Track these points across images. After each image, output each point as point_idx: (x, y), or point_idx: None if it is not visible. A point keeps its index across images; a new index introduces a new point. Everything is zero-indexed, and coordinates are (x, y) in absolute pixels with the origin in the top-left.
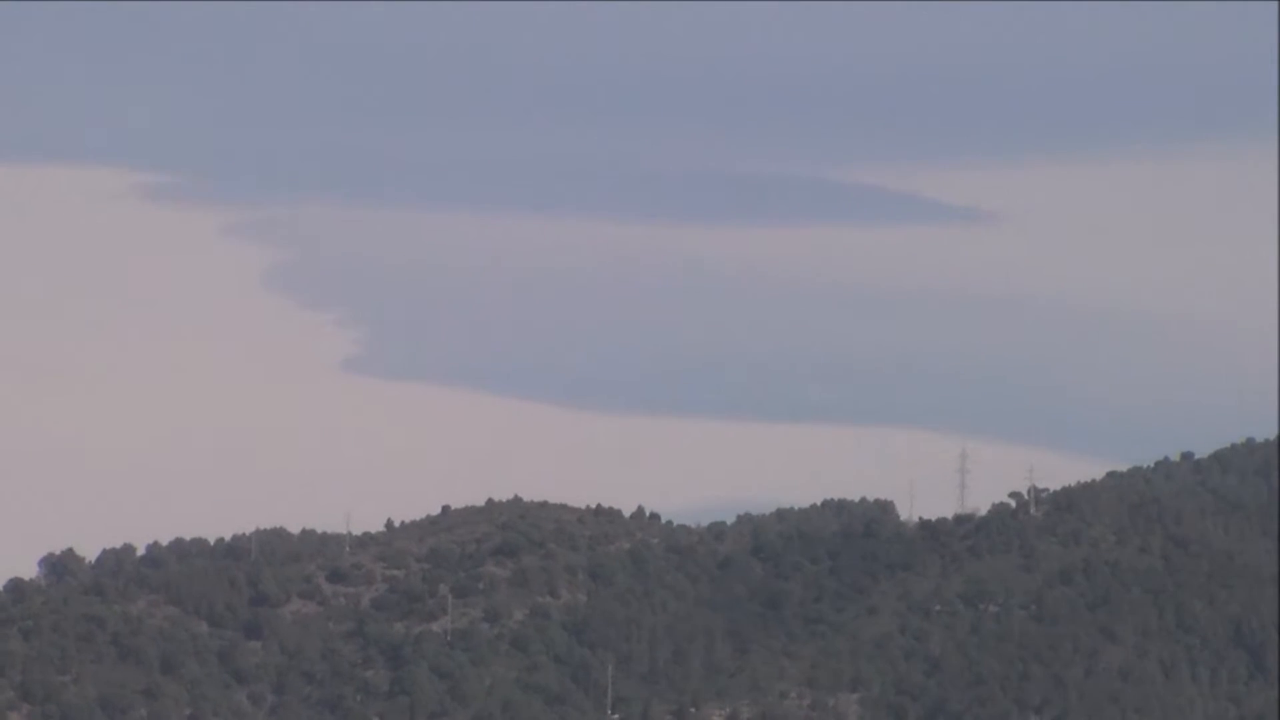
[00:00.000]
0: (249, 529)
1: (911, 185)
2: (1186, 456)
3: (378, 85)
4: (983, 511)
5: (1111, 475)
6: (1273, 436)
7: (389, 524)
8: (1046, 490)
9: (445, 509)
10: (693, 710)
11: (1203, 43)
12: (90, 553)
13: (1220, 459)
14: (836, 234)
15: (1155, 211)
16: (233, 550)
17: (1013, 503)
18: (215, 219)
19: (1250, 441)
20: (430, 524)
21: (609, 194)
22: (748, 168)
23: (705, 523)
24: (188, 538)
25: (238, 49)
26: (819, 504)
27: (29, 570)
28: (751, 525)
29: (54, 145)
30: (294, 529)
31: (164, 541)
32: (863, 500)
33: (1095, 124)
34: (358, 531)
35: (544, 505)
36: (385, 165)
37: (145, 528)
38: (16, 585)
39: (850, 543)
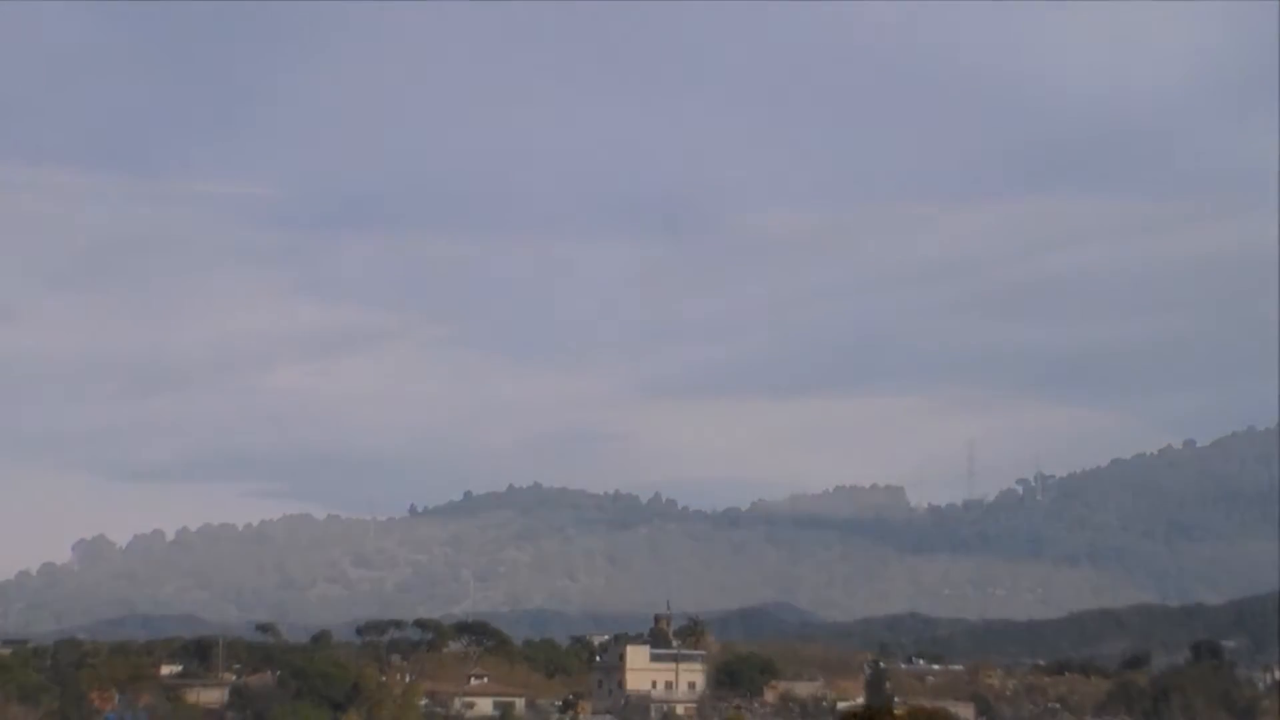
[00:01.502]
0: (276, 515)
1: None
2: (1189, 444)
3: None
4: (990, 498)
5: (1116, 462)
6: (1273, 425)
7: (412, 509)
8: (1053, 477)
9: (467, 495)
10: None
11: None
12: (121, 538)
13: (1222, 447)
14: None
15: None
16: (260, 536)
17: (1020, 489)
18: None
19: (1251, 430)
20: (452, 510)
21: None
22: None
23: (720, 509)
24: (216, 523)
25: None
26: (831, 490)
27: (62, 555)
28: (765, 511)
29: None
30: (320, 515)
31: (193, 527)
32: (874, 486)
33: None
34: (382, 517)
35: (563, 491)
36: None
37: (175, 514)
38: (49, 569)
39: (862, 528)
